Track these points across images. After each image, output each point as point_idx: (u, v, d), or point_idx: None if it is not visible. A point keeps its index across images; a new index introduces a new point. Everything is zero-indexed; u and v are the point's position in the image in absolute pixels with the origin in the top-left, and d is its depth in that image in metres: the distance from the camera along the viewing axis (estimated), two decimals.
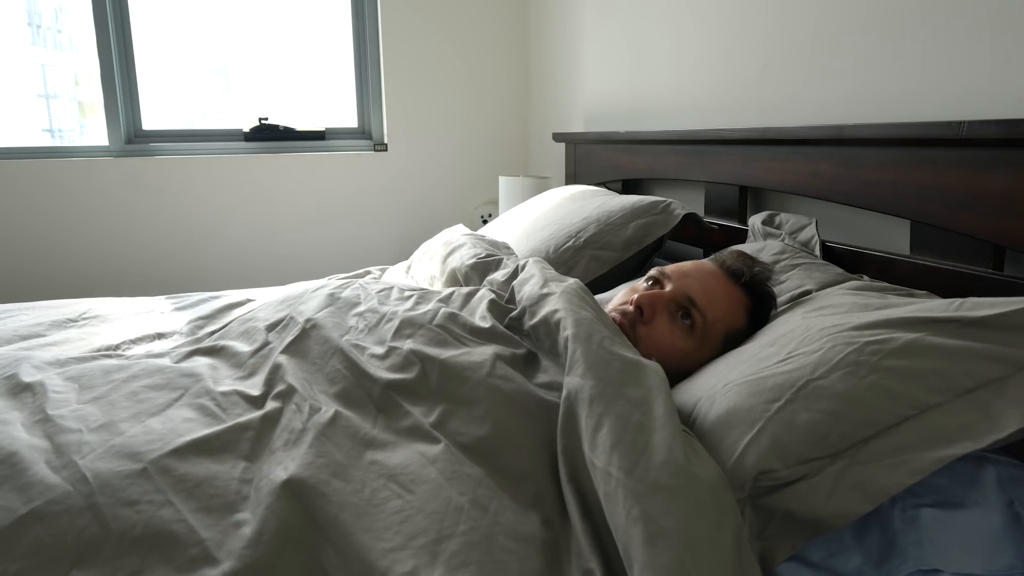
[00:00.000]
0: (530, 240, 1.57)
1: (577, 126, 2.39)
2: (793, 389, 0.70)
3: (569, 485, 0.68)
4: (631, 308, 0.94)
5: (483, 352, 0.84)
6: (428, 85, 2.68)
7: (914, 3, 1.13)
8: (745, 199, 1.53)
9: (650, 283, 0.98)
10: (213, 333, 1.09)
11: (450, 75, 2.70)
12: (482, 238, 1.53)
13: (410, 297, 1.07)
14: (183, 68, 3.04)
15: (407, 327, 0.93)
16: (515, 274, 1.13)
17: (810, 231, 1.24)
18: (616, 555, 0.61)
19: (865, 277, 1.09)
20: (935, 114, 1.10)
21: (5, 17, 3.86)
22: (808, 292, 1.02)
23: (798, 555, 0.65)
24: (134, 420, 0.77)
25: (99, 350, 1.08)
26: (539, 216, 1.69)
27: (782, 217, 1.33)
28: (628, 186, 2.02)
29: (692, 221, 1.50)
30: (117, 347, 1.10)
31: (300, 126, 2.66)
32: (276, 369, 0.88)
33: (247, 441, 0.75)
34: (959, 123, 0.96)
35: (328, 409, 0.79)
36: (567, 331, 0.81)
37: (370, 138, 2.72)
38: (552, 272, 1.05)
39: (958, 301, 0.77)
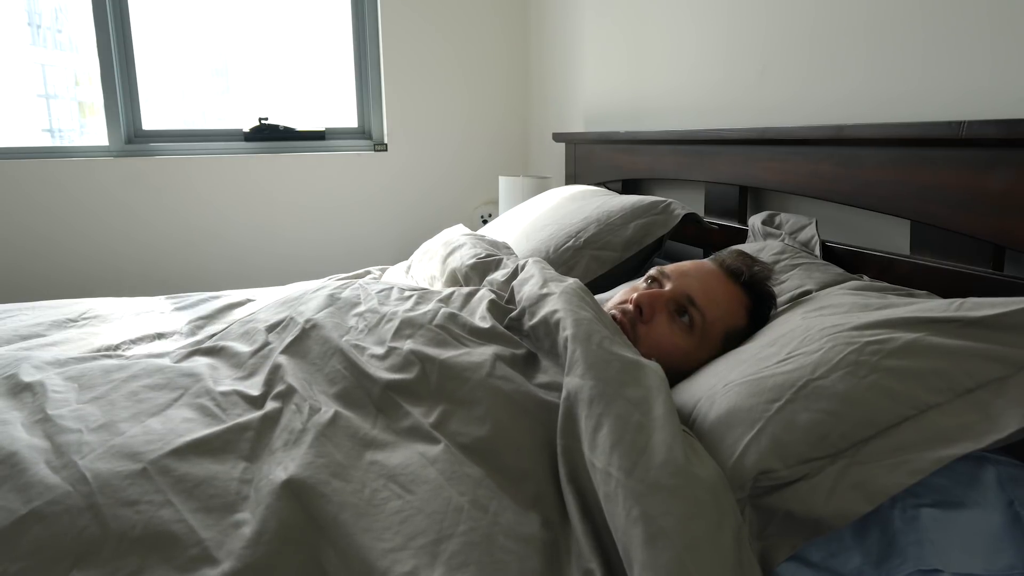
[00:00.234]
0: (530, 240, 1.57)
1: (577, 126, 2.39)
2: (793, 389, 0.70)
3: (569, 485, 0.68)
4: (631, 307, 0.94)
5: (483, 352, 0.84)
6: (428, 85, 2.68)
7: (914, 3, 1.13)
8: (745, 199, 1.53)
9: (649, 282, 0.98)
10: (214, 334, 1.09)
11: (450, 75, 2.70)
12: (482, 238, 1.53)
13: (410, 297, 1.07)
14: (183, 68, 3.04)
15: (407, 327, 0.93)
16: (515, 274, 1.13)
17: (810, 231, 1.24)
18: (616, 555, 0.61)
19: (865, 277, 1.09)
20: (935, 114, 1.10)
21: (5, 17, 3.86)
22: (808, 292, 1.02)
23: (798, 555, 0.65)
24: (134, 420, 0.77)
25: (99, 350, 1.08)
26: (539, 216, 1.69)
27: (782, 217, 1.33)
28: (628, 186, 2.02)
29: (692, 221, 1.50)
30: (117, 347, 1.10)
31: (300, 126, 2.66)
32: (276, 369, 0.88)
33: (247, 441, 0.74)
34: (959, 123, 0.96)
35: (328, 409, 0.79)
36: (567, 331, 0.81)
37: (370, 138, 2.72)
38: (552, 272, 1.05)
39: (958, 301, 0.77)
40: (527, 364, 0.86)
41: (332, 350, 0.90)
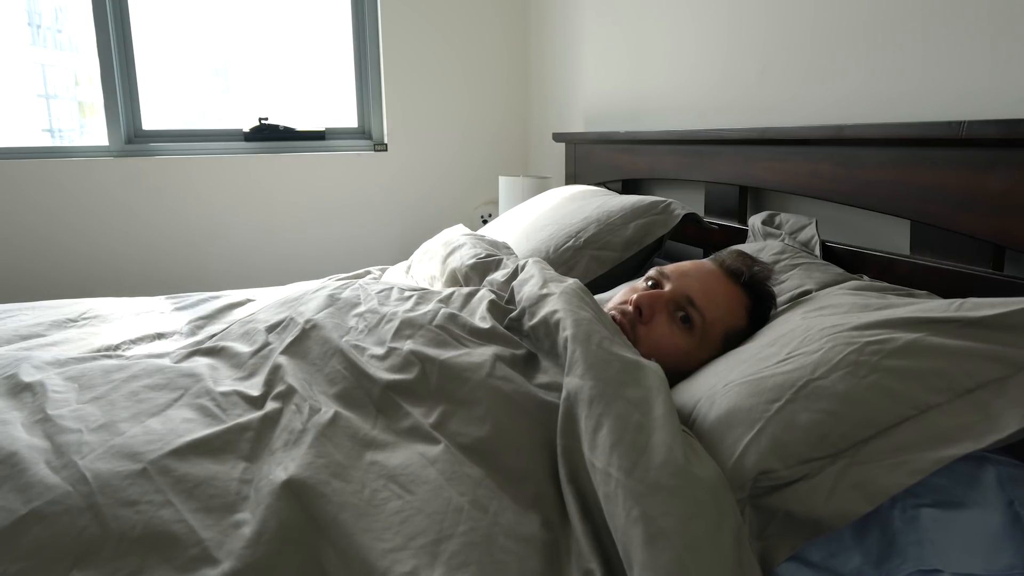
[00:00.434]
0: (530, 240, 1.57)
1: (577, 126, 2.39)
2: (793, 389, 0.70)
3: (569, 486, 0.68)
4: (630, 308, 0.94)
5: (483, 353, 0.84)
6: (428, 85, 2.68)
7: (914, 3, 1.13)
8: (745, 199, 1.53)
9: (649, 283, 0.98)
10: (214, 334, 1.10)
11: (450, 75, 2.70)
12: (482, 238, 1.53)
13: (410, 298, 1.07)
14: (183, 68, 3.04)
15: (407, 328, 0.93)
16: (515, 274, 1.13)
17: (810, 231, 1.24)
18: (616, 556, 0.61)
19: (865, 277, 1.09)
20: (935, 114, 1.10)
21: (5, 17, 3.86)
22: (808, 292, 1.02)
23: (798, 555, 0.65)
24: (134, 420, 0.77)
25: (99, 350, 1.08)
26: (539, 216, 1.69)
27: (782, 217, 1.33)
28: (628, 186, 2.02)
29: (692, 221, 1.50)
30: (117, 347, 1.10)
31: (300, 126, 2.66)
32: (276, 370, 0.88)
33: (247, 441, 0.74)
34: (959, 123, 0.96)
35: (328, 410, 0.79)
36: (566, 331, 0.81)
37: (370, 138, 2.72)
38: (552, 272, 1.05)
39: (958, 301, 0.77)
40: (527, 364, 0.86)
41: (332, 350, 0.90)
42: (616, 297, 1.02)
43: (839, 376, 0.69)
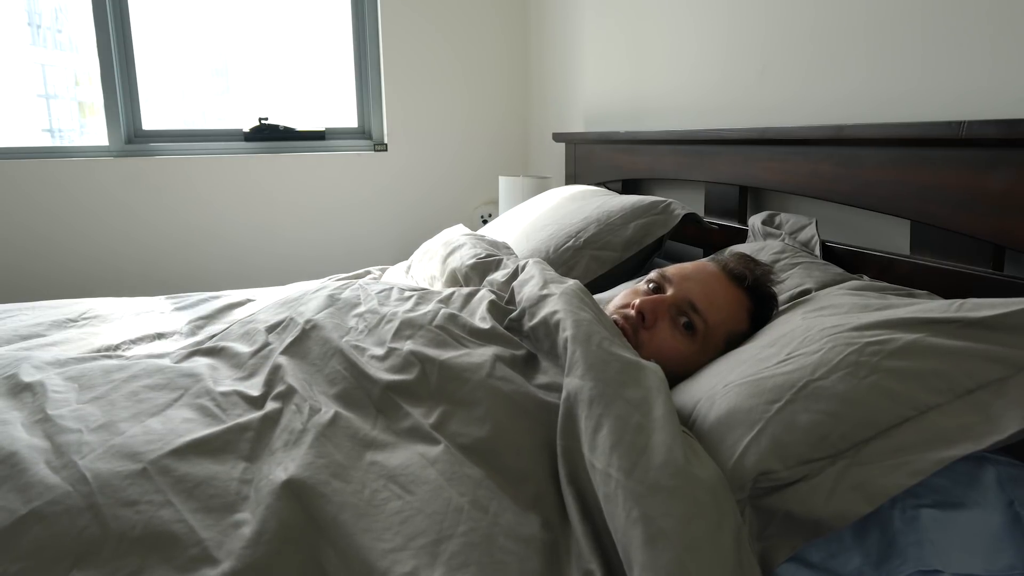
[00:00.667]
0: (530, 240, 1.57)
1: (577, 126, 2.39)
2: (793, 390, 0.70)
3: (569, 486, 0.68)
4: (632, 312, 0.94)
5: (483, 353, 0.84)
6: (428, 85, 2.68)
7: (914, 3, 1.13)
8: (745, 199, 1.53)
9: (651, 286, 0.98)
10: (214, 334, 1.10)
11: (450, 75, 2.70)
12: (482, 238, 1.53)
13: (410, 298, 1.07)
14: (183, 68, 3.04)
15: (407, 328, 0.93)
16: (515, 275, 1.13)
17: (810, 231, 1.24)
18: (616, 556, 0.61)
19: (865, 277, 1.09)
20: (935, 114, 1.10)
21: (5, 17, 3.86)
22: (808, 292, 1.02)
23: (798, 556, 0.65)
24: (134, 420, 0.77)
25: (99, 350, 1.08)
26: (539, 216, 1.69)
27: (782, 217, 1.33)
28: (628, 186, 2.02)
29: (692, 221, 1.50)
30: (117, 347, 1.10)
31: (300, 126, 2.66)
32: (276, 370, 0.88)
33: (247, 441, 0.74)
34: (959, 123, 0.96)
35: (328, 410, 0.79)
36: (566, 332, 0.81)
37: (370, 138, 2.72)
38: (552, 273, 1.05)
39: (958, 302, 0.77)
40: (527, 365, 0.86)
41: (332, 351, 0.90)
42: (617, 299, 1.02)
43: (839, 377, 0.69)
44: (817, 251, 1.20)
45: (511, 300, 1.04)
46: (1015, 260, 0.99)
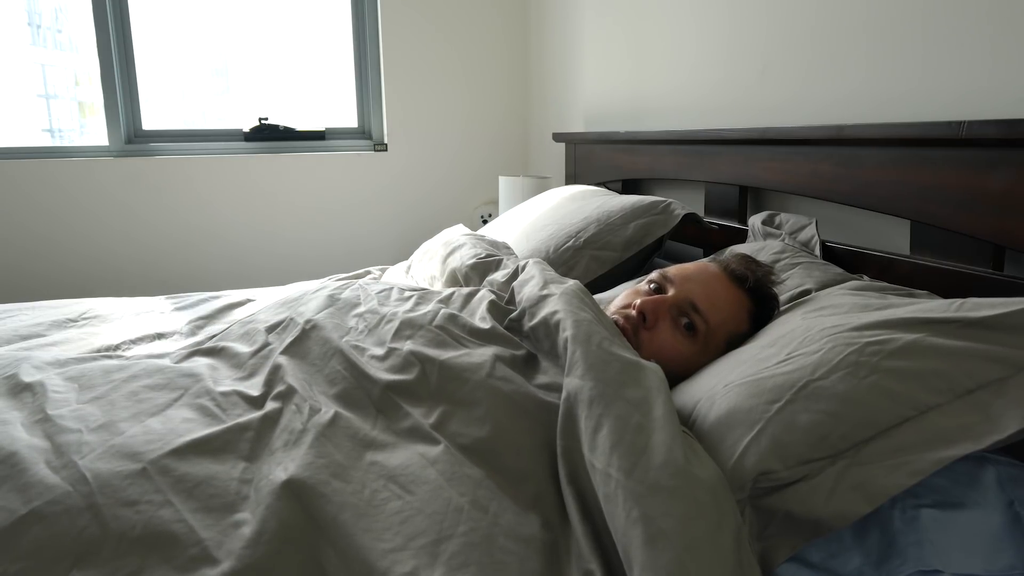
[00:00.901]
0: (530, 240, 1.57)
1: (577, 126, 2.39)
2: (793, 390, 0.70)
3: (569, 486, 0.68)
4: (634, 312, 0.94)
5: (483, 353, 0.84)
6: (428, 85, 2.68)
7: (914, 3, 1.13)
8: (745, 199, 1.53)
9: (652, 286, 0.98)
10: (214, 334, 1.10)
11: (450, 75, 2.70)
12: (482, 238, 1.53)
13: (410, 298, 1.07)
14: (183, 68, 3.04)
15: (407, 328, 0.93)
16: (515, 275, 1.13)
17: (810, 231, 1.24)
18: (616, 556, 0.61)
19: (865, 277, 1.08)
20: (935, 114, 1.10)
21: (5, 17, 3.86)
22: (808, 292, 1.02)
23: (798, 556, 0.65)
24: (134, 420, 0.77)
25: (99, 350, 1.08)
26: (539, 216, 1.69)
27: (782, 217, 1.33)
28: (628, 186, 2.02)
29: (692, 221, 1.50)
30: (117, 347, 1.10)
31: (300, 126, 2.66)
32: (276, 370, 0.88)
33: (247, 441, 0.74)
34: (959, 123, 0.96)
35: (328, 410, 0.79)
36: (566, 332, 0.81)
37: (370, 138, 2.72)
38: (552, 273, 1.05)
39: (958, 301, 0.77)
40: (527, 365, 0.86)
41: (332, 351, 0.90)
42: (618, 300, 1.01)
43: (839, 377, 0.69)
44: (817, 251, 1.20)
45: (511, 300, 1.04)
46: (1015, 260, 0.99)
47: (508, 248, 1.50)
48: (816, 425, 0.66)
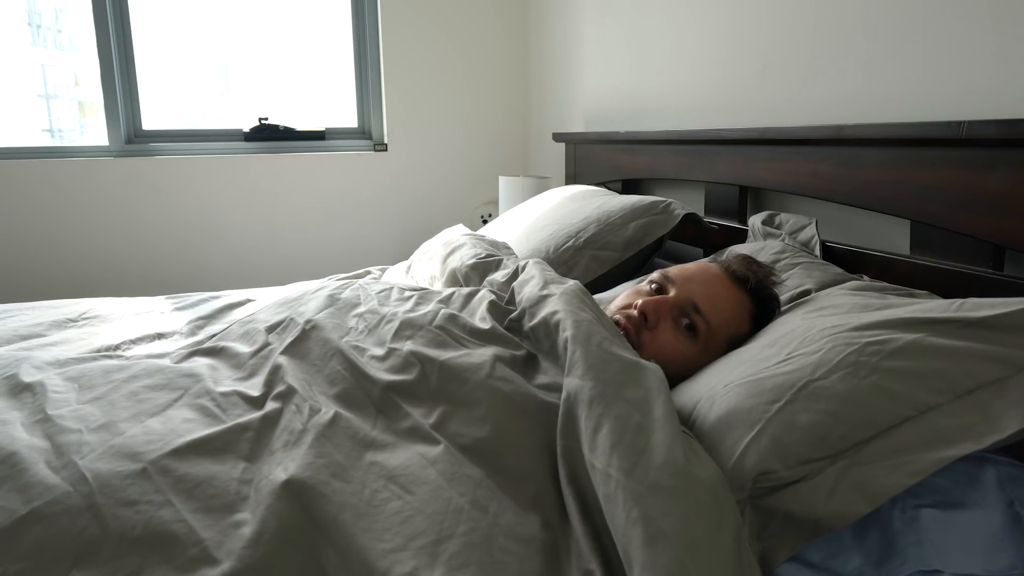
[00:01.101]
0: (530, 240, 1.57)
1: (577, 126, 2.39)
2: (793, 390, 0.70)
3: (569, 487, 0.68)
4: (635, 313, 0.94)
5: (483, 353, 0.84)
6: (428, 85, 2.68)
7: (914, 3, 1.13)
8: (745, 199, 1.53)
9: (653, 287, 0.98)
10: (214, 334, 1.09)
11: (450, 75, 2.70)
12: (482, 238, 1.53)
13: (410, 298, 1.07)
14: (183, 68, 3.04)
15: (407, 328, 0.93)
16: (515, 275, 1.13)
17: (810, 231, 1.24)
18: (616, 556, 0.60)
19: (865, 277, 1.09)
20: (935, 114, 1.10)
21: (5, 17, 3.86)
22: (808, 292, 1.02)
23: (798, 556, 0.65)
24: (134, 420, 0.77)
25: (99, 350, 1.08)
26: (539, 216, 1.69)
27: (782, 217, 1.33)
28: (628, 186, 2.02)
29: (692, 221, 1.50)
30: (117, 347, 1.10)
31: (300, 126, 2.66)
32: (276, 370, 0.88)
33: (247, 442, 0.74)
34: (959, 123, 0.96)
35: (328, 410, 0.79)
36: (566, 332, 0.81)
37: (370, 138, 2.72)
38: (552, 274, 1.05)
39: (958, 301, 0.77)
40: (527, 365, 0.86)
41: (332, 351, 0.90)
42: (618, 300, 1.01)
43: (839, 377, 0.69)
44: (817, 251, 1.20)
45: (511, 300, 1.04)
46: (1015, 260, 0.99)
47: (508, 248, 1.50)
48: (816, 425, 0.66)
